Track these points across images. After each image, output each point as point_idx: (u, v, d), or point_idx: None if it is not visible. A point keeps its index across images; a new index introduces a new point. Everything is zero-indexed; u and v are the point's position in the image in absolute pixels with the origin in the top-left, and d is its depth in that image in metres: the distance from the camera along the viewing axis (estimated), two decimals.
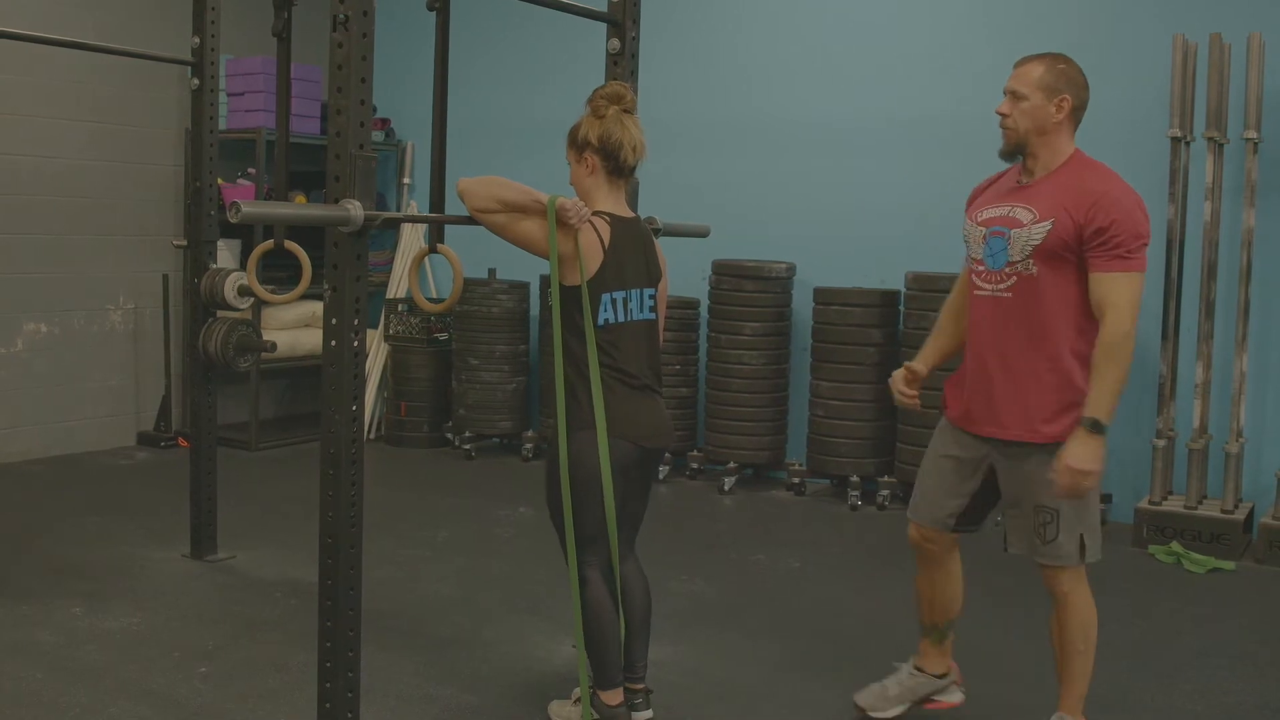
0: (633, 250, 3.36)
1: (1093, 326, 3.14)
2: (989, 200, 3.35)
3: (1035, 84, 3.21)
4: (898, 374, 3.55)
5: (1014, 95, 3.24)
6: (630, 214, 3.46)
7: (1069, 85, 3.22)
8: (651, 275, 3.43)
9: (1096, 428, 3.05)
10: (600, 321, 3.29)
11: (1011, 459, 3.27)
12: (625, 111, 3.36)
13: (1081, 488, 3.07)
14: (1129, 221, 3.09)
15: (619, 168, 3.36)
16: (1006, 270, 3.22)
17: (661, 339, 3.54)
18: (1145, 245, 3.13)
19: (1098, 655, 4.29)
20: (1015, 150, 3.27)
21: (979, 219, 3.32)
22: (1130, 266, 3.08)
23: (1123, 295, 3.06)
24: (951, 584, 3.57)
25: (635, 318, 3.37)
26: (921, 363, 3.55)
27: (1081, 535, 3.24)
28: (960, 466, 3.40)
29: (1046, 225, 3.15)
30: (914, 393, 3.54)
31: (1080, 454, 3.04)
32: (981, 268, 3.28)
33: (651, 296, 3.43)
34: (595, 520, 3.31)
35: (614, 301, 3.32)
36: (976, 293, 3.31)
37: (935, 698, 3.66)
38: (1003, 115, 3.25)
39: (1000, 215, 3.26)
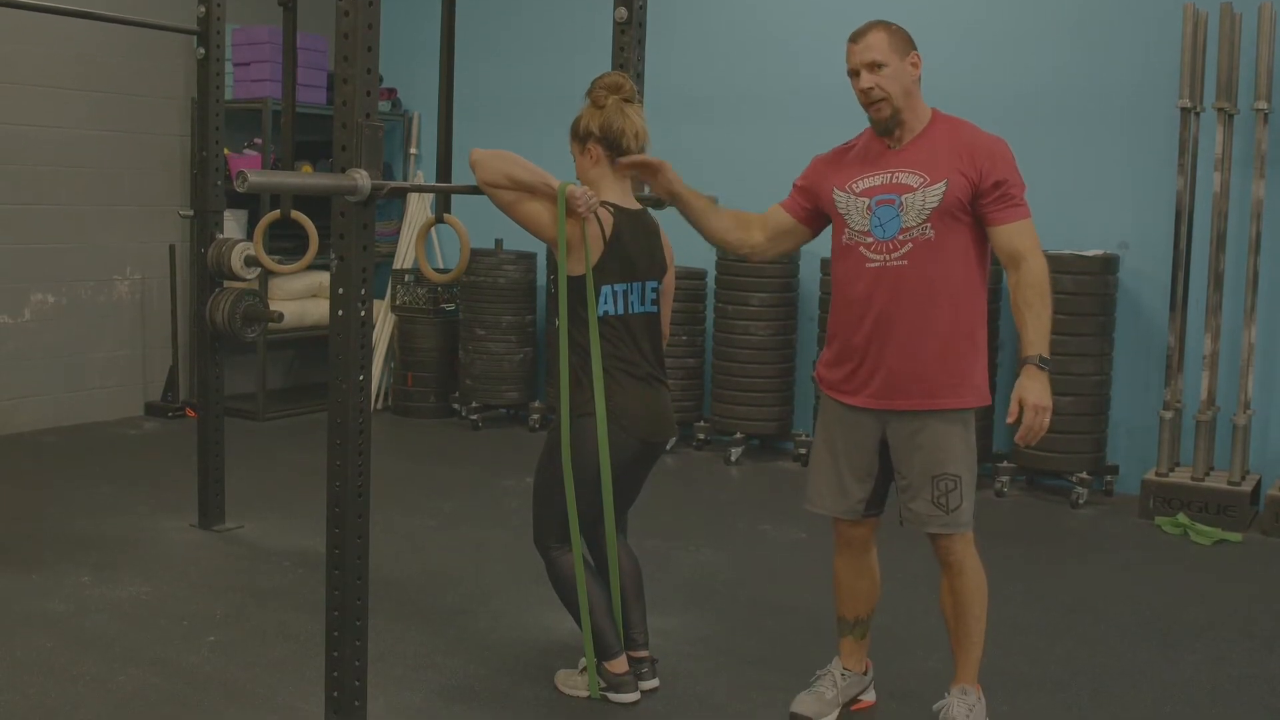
0: (636, 242, 3.35)
1: (985, 283, 3.21)
2: (857, 170, 3.22)
3: (888, 49, 3.13)
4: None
5: (872, 66, 3.13)
6: (635, 205, 3.45)
7: (910, 44, 3.18)
8: (656, 268, 3.41)
9: (1045, 363, 3.06)
10: (600, 313, 3.28)
11: (910, 430, 3.19)
12: (625, 100, 3.35)
13: (1045, 425, 3.04)
14: (1016, 170, 3.15)
15: (622, 156, 3.36)
16: (900, 238, 3.12)
17: (667, 331, 3.52)
18: (1024, 190, 3.18)
19: (1106, 626, 4.30)
20: (892, 119, 3.16)
21: (856, 190, 3.18)
22: (1026, 212, 3.14)
23: (1033, 239, 3.13)
24: (872, 573, 3.46)
25: (635, 311, 3.36)
26: (683, 188, 3.36)
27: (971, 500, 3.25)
28: (859, 449, 3.27)
29: (941, 186, 3.09)
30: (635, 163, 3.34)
31: (1041, 391, 3.03)
32: (870, 239, 3.15)
33: (654, 289, 3.41)
34: (581, 513, 3.35)
35: (614, 294, 3.31)
36: (865, 265, 3.17)
37: (859, 698, 3.55)
38: (867, 90, 3.13)
39: (883, 183, 3.15)
